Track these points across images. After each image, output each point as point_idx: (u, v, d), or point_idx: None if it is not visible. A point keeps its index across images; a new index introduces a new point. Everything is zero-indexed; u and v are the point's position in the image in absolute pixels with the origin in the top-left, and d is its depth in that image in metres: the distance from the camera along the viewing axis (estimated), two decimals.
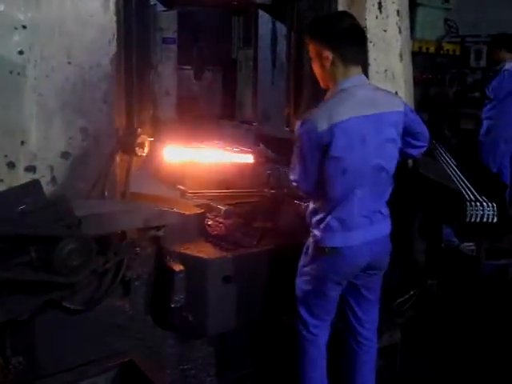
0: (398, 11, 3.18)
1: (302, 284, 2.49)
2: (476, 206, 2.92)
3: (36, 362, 2.27)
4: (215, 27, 5.06)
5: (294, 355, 2.58)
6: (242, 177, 3.38)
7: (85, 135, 2.34)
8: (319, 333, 2.52)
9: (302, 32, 2.91)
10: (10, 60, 2.16)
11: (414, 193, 3.07)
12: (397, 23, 3.18)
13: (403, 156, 2.54)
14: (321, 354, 2.55)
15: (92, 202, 2.36)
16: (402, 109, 2.39)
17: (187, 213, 2.67)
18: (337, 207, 2.33)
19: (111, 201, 2.42)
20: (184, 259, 2.53)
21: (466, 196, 3.00)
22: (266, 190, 3.18)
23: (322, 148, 2.26)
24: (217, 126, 4.46)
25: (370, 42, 3.05)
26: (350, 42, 2.33)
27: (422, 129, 2.51)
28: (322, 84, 2.45)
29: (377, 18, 3.09)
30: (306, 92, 3.18)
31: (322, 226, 2.36)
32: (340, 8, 2.96)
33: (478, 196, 3.00)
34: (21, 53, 2.16)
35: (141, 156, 2.48)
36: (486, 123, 6.19)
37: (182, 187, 3.02)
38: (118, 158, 2.44)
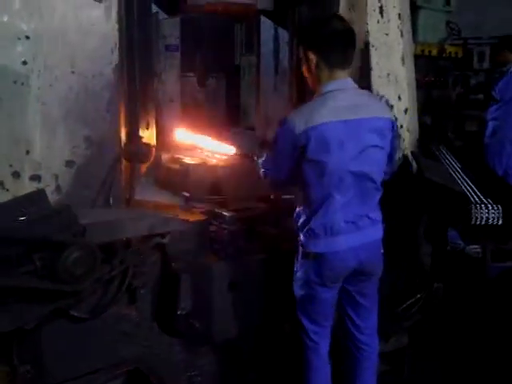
0: (399, 15, 3.19)
1: (297, 289, 2.49)
2: (481, 208, 2.91)
3: (44, 371, 2.26)
4: (218, 34, 5.08)
5: (297, 362, 2.57)
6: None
7: (89, 144, 2.35)
8: (320, 341, 2.51)
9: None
10: (14, 70, 2.18)
11: (419, 196, 3.06)
12: (398, 27, 3.19)
13: None
14: (323, 363, 2.54)
15: (96, 210, 2.37)
16: (388, 116, 2.41)
17: (192, 219, 2.67)
18: (318, 211, 2.33)
19: (115, 208, 2.43)
20: (189, 266, 2.53)
21: (471, 198, 2.99)
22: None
23: (298, 149, 2.27)
24: (222, 133, 4.45)
25: (372, 46, 3.06)
26: (335, 46, 2.33)
27: (394, 158, 2.57)
28: (311, 87, 2.47)
29: (378, 22, 3.10)
30: (309, 97, 3.18)
31: (305, 230, 2.37)
32: (341, 13, 2.96)
33: (483, 198, 2.98)
34: (24, 63, 2.18)
35: (145, 164, 2.48)
36: (491, 124, 6.13)
37: (186, 194, 3.02)
38: (122, 166, 2.45)
